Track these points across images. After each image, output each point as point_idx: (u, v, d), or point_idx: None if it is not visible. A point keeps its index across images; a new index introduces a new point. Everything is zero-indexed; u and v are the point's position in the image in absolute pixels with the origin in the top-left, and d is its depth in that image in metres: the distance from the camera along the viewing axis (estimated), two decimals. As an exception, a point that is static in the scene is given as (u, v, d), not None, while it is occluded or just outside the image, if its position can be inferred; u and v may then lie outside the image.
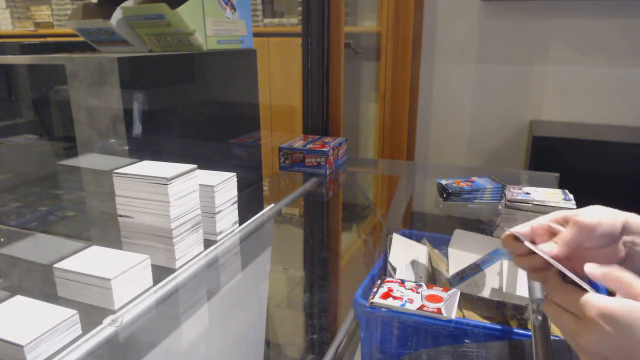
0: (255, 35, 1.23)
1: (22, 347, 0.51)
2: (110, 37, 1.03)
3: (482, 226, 1.05)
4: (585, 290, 0.45)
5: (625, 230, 0.56)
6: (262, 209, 1.02)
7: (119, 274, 0.63)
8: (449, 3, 2.26)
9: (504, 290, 0.83)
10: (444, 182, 1.21)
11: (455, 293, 0.77)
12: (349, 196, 1.55)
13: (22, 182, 1.06)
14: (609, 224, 0.55)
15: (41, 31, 3.26)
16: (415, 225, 1.28)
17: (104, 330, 0.60)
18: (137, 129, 0.86)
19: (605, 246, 0.56)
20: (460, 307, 0.82)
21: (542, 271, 0.54)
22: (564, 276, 0.48)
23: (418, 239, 0.98)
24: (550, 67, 2.16)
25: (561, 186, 1.13)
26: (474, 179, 1.22)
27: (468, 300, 0.83)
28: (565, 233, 0.56)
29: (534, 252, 0.53)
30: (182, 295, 0.72)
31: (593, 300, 0.44)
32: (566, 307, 0.47)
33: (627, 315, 0.41)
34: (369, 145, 2.46)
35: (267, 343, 0.95)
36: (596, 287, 0.47)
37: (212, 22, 1.05)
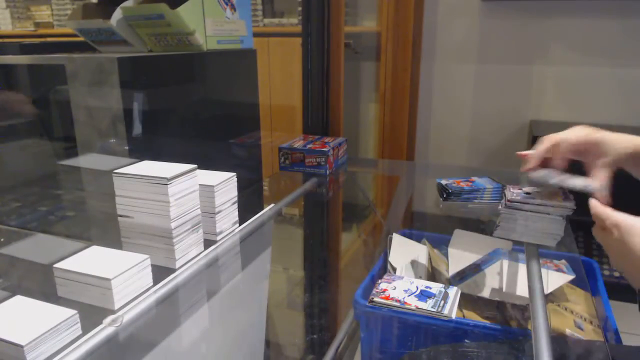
0: (255, 35, 1.23)
1: (22, 347, 0.51)
2: (110, 37, 1.03)
3: (482, 226, 1.05)
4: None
5: (600, 149, 0.73)
6: (262, 209, 1.02)
7: (119, 273, 0.63)
8: (449, 3, 2.26)
9: (504, 290, 0.83)
10: (444, 182, 1.21)
11: (455, 293, 0.77)
12: (349, 196, 1.55)
13: (22, 182, 1.06)
14: (574, 140, 0.73)
15: (41, 31, 3.26)
16: (415, 225, 1.28)
17: (104, 330, 0.60)
18: (137, 129, 0.86)
19: (580, 157, 0.75)
20: (460, 307, 0.82)
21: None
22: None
23: (418, 239, 0.98)
24: (550, 67, 2.16)
25: (561, 186, 1.12)
26: (474, 179, 1.21)
27: (468, 300, 0.83)
28: (537, 148, 0.77)
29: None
30: (182, 295, 0.72)
31: (608, 213, 0.62)
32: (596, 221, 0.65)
33: (628, 229, 0.58)
34: (369, 145, 2.46)
35: (267, 343, 0.95)
36: None
37: (212, 22, 1.05)
